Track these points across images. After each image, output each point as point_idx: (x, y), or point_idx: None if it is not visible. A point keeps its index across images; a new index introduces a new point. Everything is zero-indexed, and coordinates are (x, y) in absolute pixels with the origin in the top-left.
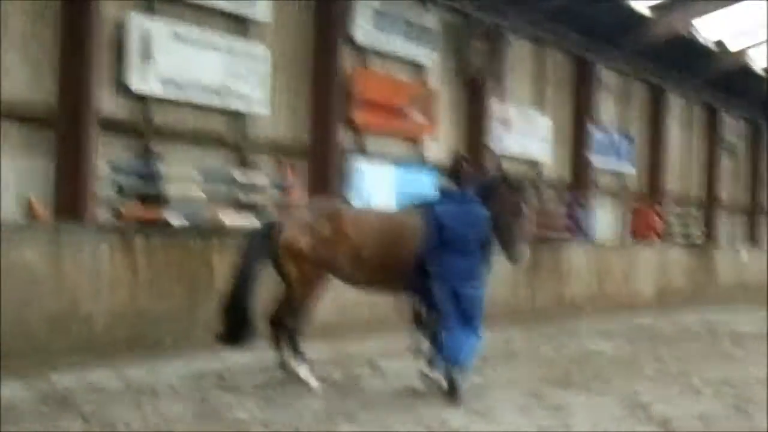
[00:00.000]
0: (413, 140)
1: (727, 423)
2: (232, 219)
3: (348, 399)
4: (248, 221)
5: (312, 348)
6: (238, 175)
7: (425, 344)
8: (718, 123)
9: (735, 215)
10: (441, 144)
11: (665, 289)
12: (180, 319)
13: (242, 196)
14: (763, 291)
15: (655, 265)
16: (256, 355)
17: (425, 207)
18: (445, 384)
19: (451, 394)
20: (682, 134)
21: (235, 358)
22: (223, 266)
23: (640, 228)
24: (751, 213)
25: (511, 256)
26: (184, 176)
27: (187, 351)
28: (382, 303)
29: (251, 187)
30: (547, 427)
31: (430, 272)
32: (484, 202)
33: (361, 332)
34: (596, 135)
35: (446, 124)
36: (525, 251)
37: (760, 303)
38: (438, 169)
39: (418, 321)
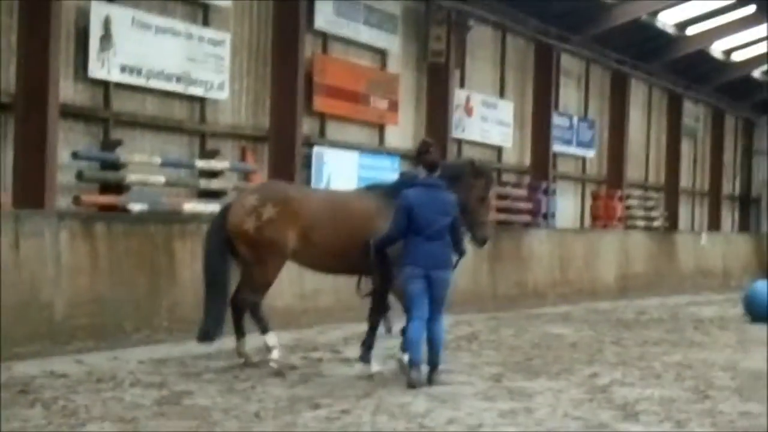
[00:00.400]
0: (375, 126)
1: (687, 407)
2: (193, 205)
3: (310, 385)
4: (210, 208)
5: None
6: (199, 161)
7: (395, 327)
8: (680, 108)
9: (696, 200)
10: (403, 130)
11: (627, 275)
12: (141, 306)
13: (203, 183)
14: (724, 276)
15: (616, 250)
16: (216, 342)
17: (383, 190)
18: (409, 369)
19: (432, 380)
20: (644, 119)
21: (197, 345)
22: (184, 253)
23: (602, 213)
24: (713, 198)
25: (477, 240)
26: (144, 163)
27: (148, 338)
28: (345, 290)
29: (212, 174)
30: (508, 412)
31: (389, 256)
32: (449, 187)
33: (323, 319)
34: (557, 120)
35: (408, 109)
36: (489, 234)
37: (721, 288)
38: (400, 154)
39: (381, 304)
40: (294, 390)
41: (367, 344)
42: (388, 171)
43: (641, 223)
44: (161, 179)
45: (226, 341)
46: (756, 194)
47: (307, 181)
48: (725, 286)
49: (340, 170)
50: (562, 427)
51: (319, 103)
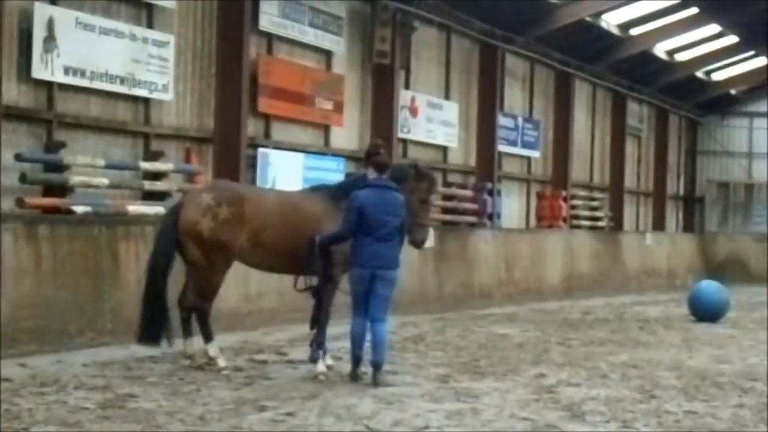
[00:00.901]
0: (320, 127)
1: (633, 406)
2: (137, 207)
3: (255, 388)
4: (154, 209)
5: (219, 338)
6: (144, 163)
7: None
8: (624, 108)
9: (641, 200)
10: (348, 131)
11: (572, 275)
12: (85, 309)
13: (147, 184)
14: (669, 275)
15: (562, 250)
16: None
17: (330, 191)
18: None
19: (377, 380)
20: (588, 120)
21: (141, 348)
22: (128, 255)
23: (547, 214)
24: (657, 198)
25: (414, 241)
26: (88, 164)
27: (92, 341)
28: (289, 291)
29: (157, 175)
30: (455, 413)
31: (334, 255)
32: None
33: (268, 321)
34: (503, 121)
35: (353, 110)
36: (425, 237)
37: (666, 287)
38: (345, 155)
39: (320, 306)
40: (239, 392)
41: (316, 343)
42: (334, 172)
43: (586, 223)
44: (105, 181)
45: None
46: (700, 194)
47: (252, 182)
48: (670, 285)
49: (286, 171)
50: (508, 428)
51: (264, 104)
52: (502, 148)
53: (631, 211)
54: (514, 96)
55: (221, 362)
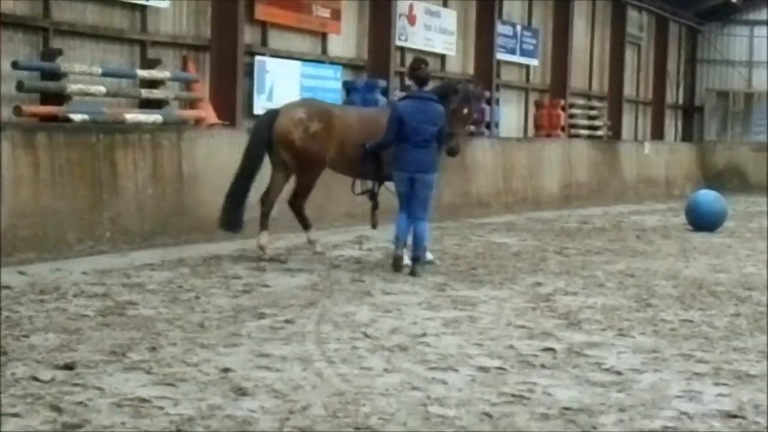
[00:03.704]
0: (318, 35)
1: (629, 315)
2: (134, 115)
3: (254, 295)
4: (151, 117)
5: (219, 245)
6: (141, 71)
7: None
8: (623, 17)
9: (640, 109)
10: (345, 39)
11: (570, 184)
12: (83, 217)
13: (145, 92)
14: (667, 185)
15: (559, 159)
16: (161, 253)
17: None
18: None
19: (415, 271)
20: (587, 28)
21: (140, 256)
22: (126, 163)
23: (545, 123)
24: (656, 107)
25: (449, 149)
26: (85, 72)
27: (91, 249)
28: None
29: (154, 83)
30: (451, 321)
31: (382, 159)
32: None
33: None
34: (501, 29)
35: (351, 18)
36: (460, 146)
37: (664, 197)
38: (343, 63)
39: (375, 204)
40: (238, 300)
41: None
42: (332, 80)
43: (584, 132)
44: (102, 89)
45: (171, 250)
46: (699, 103)
47: (249, 91)
48: (668, 195)
49: (283, 79)
50: (505, 336)
51: (261, 11)
52: (500, 56)
53: (629, 120)
54: (513, 4)
55: (318, 246)
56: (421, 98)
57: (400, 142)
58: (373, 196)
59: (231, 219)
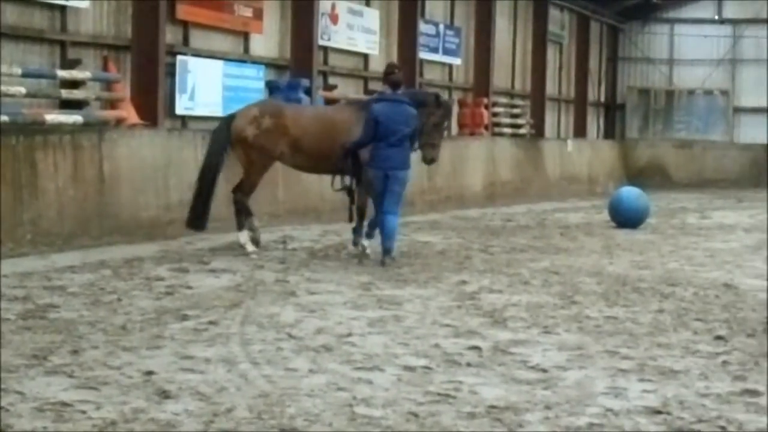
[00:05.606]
0: (240, 34)
1: (554, 312)
2: (55, 116)
3: (177, 297)
4: (72, 118)
5: (139, 247)
6: (61, 71)
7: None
8: (545, 15)
9: (562, 107)
10: (268, 38)
11: (494, 182)
12: (4, 219)
13: (65, 93)
14: (589, 182)
15: (483, 158)
16: (82, 255)
17: (358, 105)
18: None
19: (384, 262)
20: (509, 27)
21: (61, 258)
22: (46, 164)
23: (468, 121)
24: (578, 105)
25: (426, 158)
26: (4, 73)
27: (11, 251)
28: (218, 201)
29: (74, 84)
30: (377, 320)
31: (360, 158)
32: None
33: (190, 231)
34: (424, 28)
35: (273, 17)
36: (437, 156)
37: (587, 194)
38: (265, 63)
39: (352, 199)
40: (160, 302)
41: (358, 231)
42: (254, 80)
43: (508, 130)
44: (22, 90)
45: (92, 252)
46: (621, 101)
47: (171, 91)
48: (591, 192)
49: (205, 79)
50: (431, 334)
51: (183, 10)
52: (423, 55)
53: (552, 118)
54: (435, 3)
55: (249, 248)
56: (395, 101)
57: (375, 142)
58: (350, 192)
59: (197, 219)
